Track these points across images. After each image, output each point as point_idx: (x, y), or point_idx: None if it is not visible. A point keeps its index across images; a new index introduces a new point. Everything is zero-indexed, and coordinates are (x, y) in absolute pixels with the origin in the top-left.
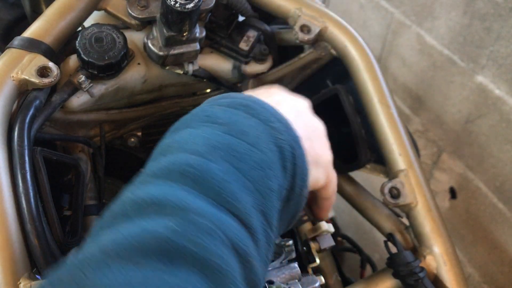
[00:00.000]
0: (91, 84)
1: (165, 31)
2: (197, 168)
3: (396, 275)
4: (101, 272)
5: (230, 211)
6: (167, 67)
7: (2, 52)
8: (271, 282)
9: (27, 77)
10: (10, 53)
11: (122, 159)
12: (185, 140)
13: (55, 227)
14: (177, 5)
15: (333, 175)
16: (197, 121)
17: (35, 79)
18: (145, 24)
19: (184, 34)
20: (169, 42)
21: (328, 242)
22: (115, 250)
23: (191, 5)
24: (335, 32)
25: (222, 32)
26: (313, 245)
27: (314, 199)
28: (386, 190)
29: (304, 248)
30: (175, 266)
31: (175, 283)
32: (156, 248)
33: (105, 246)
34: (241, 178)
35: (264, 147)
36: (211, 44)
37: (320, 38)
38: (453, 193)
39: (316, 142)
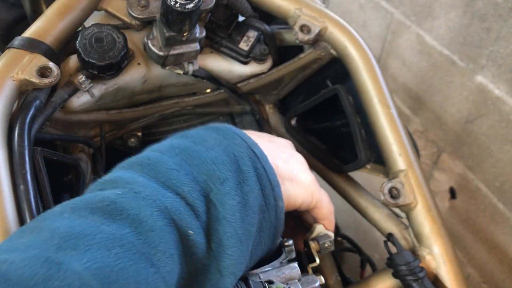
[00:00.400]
0: (91, 84)
1: (165, 31)
2: (153, 160)
3: (396, 275)
4: (56, 219)
5: (176, 192)
6: (167, 67)
7: (2, 52)
8: (270, 282)
9: (27, 77)
10: (10, 53)
11: (122, 159)
12: (154, 147)
13: None
14: (177, 5)
15: (320, 196)
16: (172, 137)
17: (35, 79)
18: (145, 24)
19: (184, 34)
20: (169, 42)
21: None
22: (71, 207)
23: (191, 5)
24: (335, 32)
25: (222, 32)
26: (313, 245)
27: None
28: (385, 190)
29: (305, 248)
30: (113, 221)
31: (108, 230)
32: (101, 207)
33: (66, 205)
34: (191, 169)
35: (221, 152)
36: (211, 44)
37: (320, 38)
38: (453, 193)
39: (292, 164)
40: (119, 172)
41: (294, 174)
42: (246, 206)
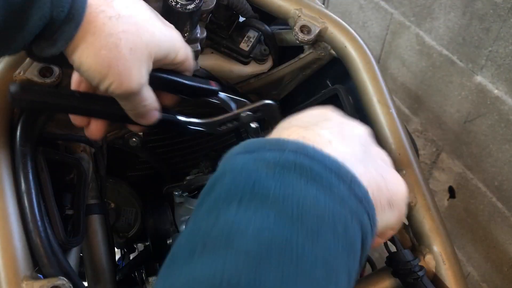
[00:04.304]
0: None
1: None
2: (249, 285)
3: (395, 273)
4: None
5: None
6: None
7: None
8: None
9: (29, 77)
10: None
11: (123, 159)
12: (228, 232)
13: (57, 226)
14: (178, 5)
15: (404, 214)
16: (242, 193)
17: (38, 79)
18: None
19: (185, 34)
20: None
21: None
22: None
23: (192, 6)
24: (334, 33)
25: (222, 32)
26: None
27: None
28: None
29: None
30: None
31: None
32: None
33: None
34: (305, 283)
35: (328, 235)
36: (211, 44)
37: (320, 39)
38: (452, 192)
39: (389, 178)
40: None
41: (392, 194)
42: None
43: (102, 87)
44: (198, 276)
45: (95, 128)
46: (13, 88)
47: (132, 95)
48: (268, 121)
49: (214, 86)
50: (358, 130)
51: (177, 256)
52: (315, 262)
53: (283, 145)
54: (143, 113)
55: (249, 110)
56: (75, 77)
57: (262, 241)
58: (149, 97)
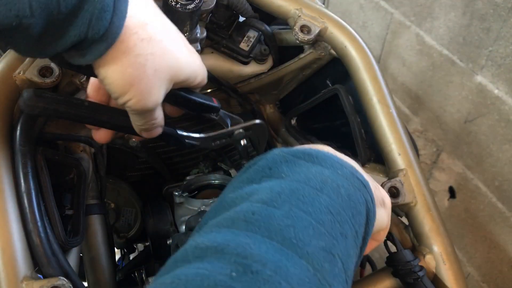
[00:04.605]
0: None
1: None
2: (261, 214)
3: (395, 274)
4: None
5: (298, 254)
6: None
7: (4, 52)
8: None
9: (29, 77)
10: (12, 53)
11: (123, 159)
12: (249, 194)
13: (57, 226)
14: (178, 5)
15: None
16: (262, 175)
17: (37, 79)
18: None
19: (185, 34)
20: None
21: None
22: None
23: (192, 5)
24: (335, 33)
25: (222, 32)
26: None
27: None
28: (385, 190)
29: None
30: None
31: None
32: None
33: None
34: (310, 220)
35: (331, 192)
36: (211, 44)
37: (320, 39)
38: (452, 192)
39: (379, 186)
40: (220, 233)
41: (383, 196)
42: (360, 255)
43: (121, 101)
44: (220, 219)
45: (103, 133)
46: (26, 94)
47: (146, 113)
48: (258, 138)
49: (216, 103)
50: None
51: (205, 222)
52: (319, 207)
53: (298, 148)
54: (149, 129)
55: (242, 127)
56: (94, 83)
57: (273, 191)
58: (159, 116)
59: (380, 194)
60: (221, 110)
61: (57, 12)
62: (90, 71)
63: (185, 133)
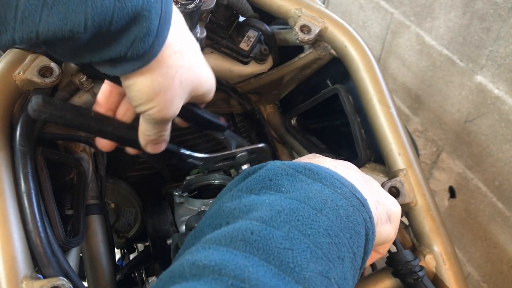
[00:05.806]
0: (92, 84)
1: None
2: (260, 235)
3: (395, 274)
4: None
5: (295, 279)
6: None
7: (4, 52)
8: None
9: (29, 77)
10: (13, 53)
11: (123, 159)
12: (248, 208)
13: (56, 227)
14: (178, 5)
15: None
16: (261, 186)
17: (37, 79)
18: None
19: None
20: None
21: None
22: None
23: (192, 5)
24: (335, 33)
25: (222, 32)
26: None
27: None
28: (385, 189)
29: None
30: None
31: None
32: None
33: None
34: (308, 244)
35: (330, 214)
36: (211, 44)
37: (320, 38)
38: (452, 192)
39: (384, 196)
40: (218, 251)
41: (390, 211)
42: (358, 275)
43: (143, 108)
44: (219, 235)
45: (107, 142)
46: (35, 99)
47: (163, 122)
48: (260, 163)
49: (223, 122)
50: (353, 165)
51: (201, 230)
52: (318, 230)
53: (299, 162)
54: (155, 141)
55: (246, 150)
56: (106, 90)
57: (273, 209)
58: (169, 128)
59: (385, 209)
60: (228, 131)
61: (106, 30)
62: (114, 77)
63: (187, 152)
